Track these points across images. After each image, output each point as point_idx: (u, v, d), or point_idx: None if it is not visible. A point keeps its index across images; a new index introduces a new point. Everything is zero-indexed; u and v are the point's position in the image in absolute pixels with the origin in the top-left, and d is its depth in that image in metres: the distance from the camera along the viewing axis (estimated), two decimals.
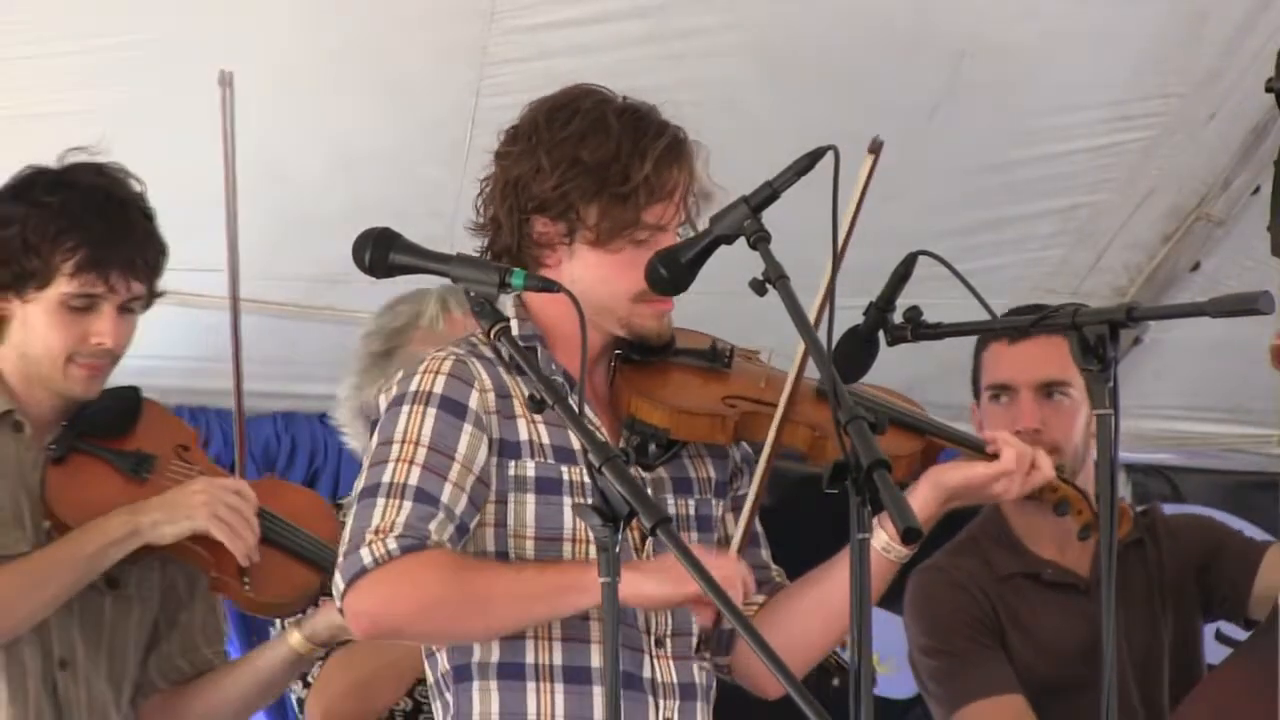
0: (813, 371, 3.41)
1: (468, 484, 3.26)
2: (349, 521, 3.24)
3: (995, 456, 3.39)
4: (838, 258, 3.19)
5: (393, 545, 3.18)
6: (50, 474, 3.88)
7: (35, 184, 3.89)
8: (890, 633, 4.48)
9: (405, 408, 3.29)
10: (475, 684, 3.30)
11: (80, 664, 3.89)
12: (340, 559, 3.22)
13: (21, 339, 3.90)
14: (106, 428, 3.94)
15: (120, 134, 4.58)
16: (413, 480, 3.23)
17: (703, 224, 3.30)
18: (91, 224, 3.83)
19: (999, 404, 4.39)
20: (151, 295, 3.95)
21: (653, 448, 3.40)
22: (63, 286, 3.84)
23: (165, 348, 4.98)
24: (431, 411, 3.28)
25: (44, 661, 3.87)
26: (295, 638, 3.93)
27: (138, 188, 3.93)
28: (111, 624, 3.95)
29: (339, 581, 3.20)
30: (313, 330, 5.58)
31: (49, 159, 3.91)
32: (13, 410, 3.90)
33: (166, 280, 3.97)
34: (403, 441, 3.27)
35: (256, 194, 5.06)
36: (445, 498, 3.23)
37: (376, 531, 3.19)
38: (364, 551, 3.18)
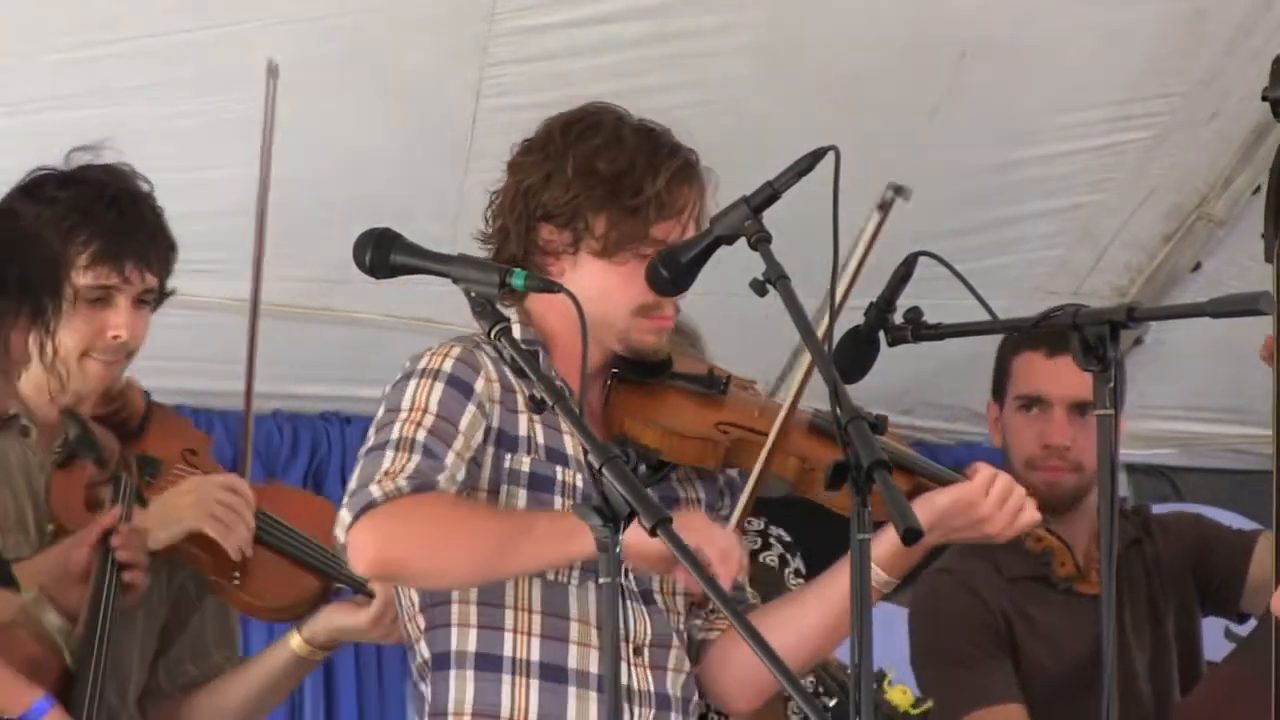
0: (808, 399, 3.42)
1: (467, 458, 3.30)
2: (355, 473, 3.26)
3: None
4: (837, 261, 3.19)
5: (403, 483, 3.21)
6: (54, 478, 3.87)
7: (45, 183, 3.89)
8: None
9: (413, 381, 3.33)
10: (452, 672, 3.33)
11: None
12: (347, 498, 3.24)
13: None
14: (113, 432, 3.93)
15: (123, 136, 4.60)
16: (420, 438, 3.26)
17: None
18: (104, 216, 3.83)
19: (1029, 415, 4.36)
20: (163, 292, 3.95)
21: (642, 468, 3.41)
22: (78, 280, 3.82)
23: (173, 349, 4.99)
24: (439, 386, 3.32)
25: None
26: (296, 640, 3.92)
27: (145, 186, 3.93)
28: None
29: (344, 516, 3.22)
30: (313, 330, 5.58)
31: (56, 160, 3.91)
32: (19, 414, 3.89)
33: (176, 281, 3.97)
34: (410, 409, 3.30)
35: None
36: (449, 462, 3.27)
37: (387, 473, 3.22)
38: (373, 487, 3.21)
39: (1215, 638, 4.62)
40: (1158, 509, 4.72)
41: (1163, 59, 5.32)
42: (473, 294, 3.11)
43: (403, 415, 3.30)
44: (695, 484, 3.52)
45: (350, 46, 4.83)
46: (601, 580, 2.85)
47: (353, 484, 3.26)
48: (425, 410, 3.29)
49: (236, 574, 3.84)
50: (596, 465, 2.85)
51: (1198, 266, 5.92)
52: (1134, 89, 5.39)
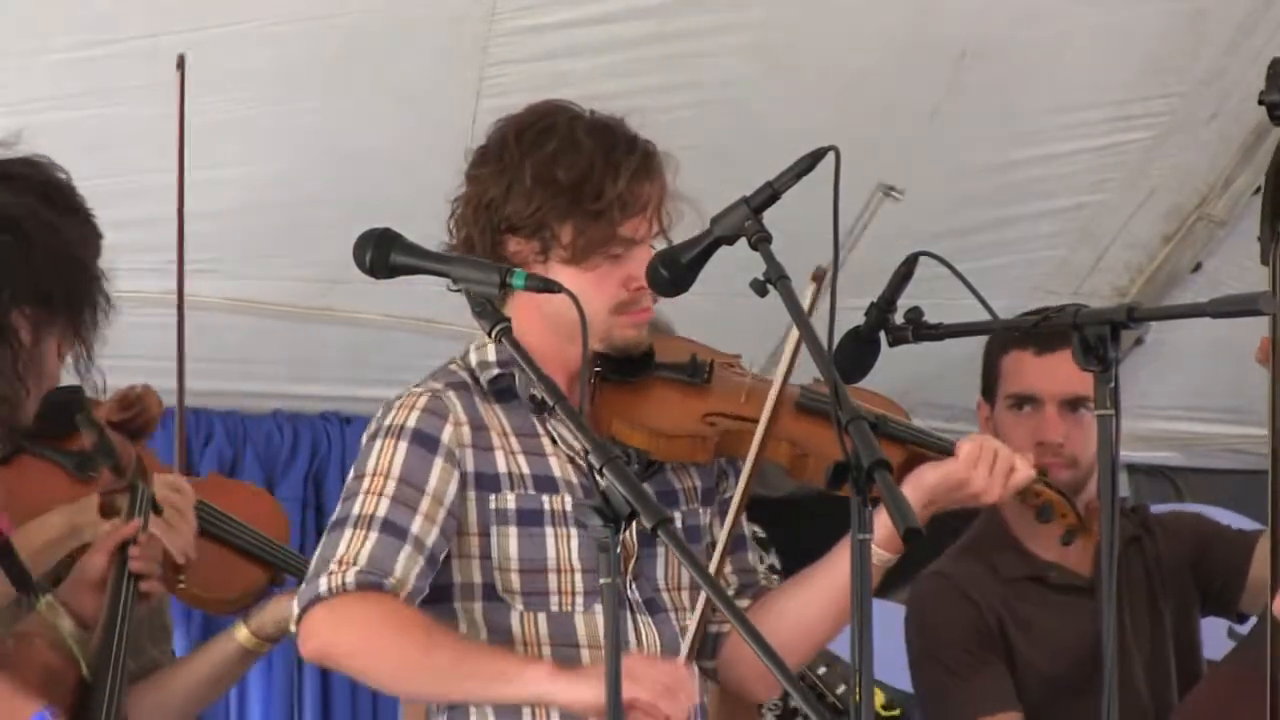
0: (796, 378, 3.42)
1: (439, 516, 3.28)
2: (317, 552, 3.28)
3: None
4: (836, 260, 3.18)
5: (350, 579, 3.21)
6: None
7: None
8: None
9: (378, 442, 3.32)
10: (472, 711, 3.30)
11: None
12: (303, 584, 3.27)
13: None
14: (52, 427, 3.91)
15: (122, 136, 4.61)
16: (381, 512, 3.26)
17: (675, 236, 3.31)
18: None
19: (1020, 413, 4.34)
20: None
21: (634, 467, 3.39)
22: None
23: (170, 349, 4.99)
24: (403, 446, 3.30)
25: None
26: (243, 633, 3.91)
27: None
28: None
29: (294, 606, 3.25)
30: (313, 330, 5.58)
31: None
32: None
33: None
34: (373, 475, 3.30)
35: (258, 194, 5.09)
36: (415, 529, 3.26)
37: (339, 562, 3.23)
38: (322, 580, 3.22)
39: (1217, 637, 4.61)
40: (1158, 509, 4.72)
41: (1163, 59, 5.32)
42: (473, 294, 3.11)
43: (365, 484, 3.30)
44: (690, 473, 3.51)
45: (350, 46, 4.84)
46: (601, 581, 2.85)
47: (311, 567, 3.28)
48: (387, 476, 3.28)
49: (181, 576, 3.84)
50: (598, 466, 2.85)
51: (1198, 266, 5.93)
52: (1134, 89, 5.40)
